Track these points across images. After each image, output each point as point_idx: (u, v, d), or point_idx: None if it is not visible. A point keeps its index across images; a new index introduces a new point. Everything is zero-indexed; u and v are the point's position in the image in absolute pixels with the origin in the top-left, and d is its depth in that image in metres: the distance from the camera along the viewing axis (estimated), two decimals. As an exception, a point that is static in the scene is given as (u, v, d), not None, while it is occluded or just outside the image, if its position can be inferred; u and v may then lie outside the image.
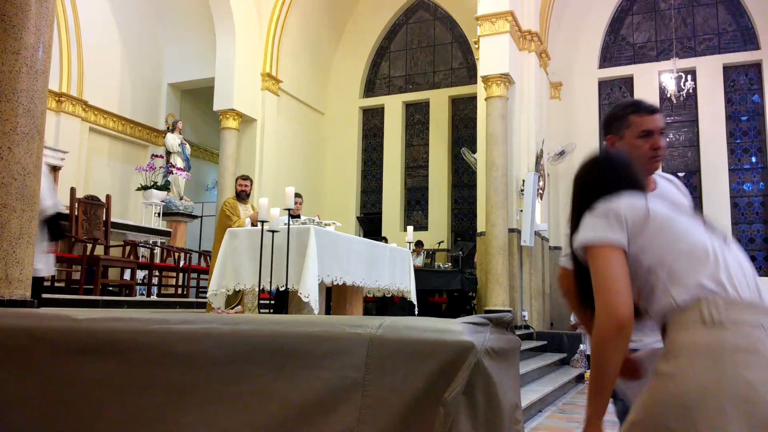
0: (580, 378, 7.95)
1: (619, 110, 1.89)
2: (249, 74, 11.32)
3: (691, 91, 10.91)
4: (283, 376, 1.54)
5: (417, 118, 13.87)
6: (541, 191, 10.17)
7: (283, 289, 4.83)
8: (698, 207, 10.32)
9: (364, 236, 9.05)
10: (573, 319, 9.73)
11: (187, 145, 11.10)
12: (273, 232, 4.80)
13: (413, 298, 6.56)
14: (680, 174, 11.23)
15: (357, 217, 13.76)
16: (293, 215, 5.47)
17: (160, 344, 1.69)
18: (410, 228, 7.26)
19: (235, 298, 5.86)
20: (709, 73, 11.32)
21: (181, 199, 10.70)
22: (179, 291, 8.70)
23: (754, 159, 11.29)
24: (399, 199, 13.47)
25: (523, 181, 9.71)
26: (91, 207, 7.65)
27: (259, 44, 11.59)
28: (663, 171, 2.03)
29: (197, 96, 12.67)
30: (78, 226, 7.30)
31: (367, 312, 8.96)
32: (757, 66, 11.20)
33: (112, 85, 11.21)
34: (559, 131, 11.61)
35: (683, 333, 1.33)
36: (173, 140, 10.79)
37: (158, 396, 1.64)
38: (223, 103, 10.96)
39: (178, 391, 1.62)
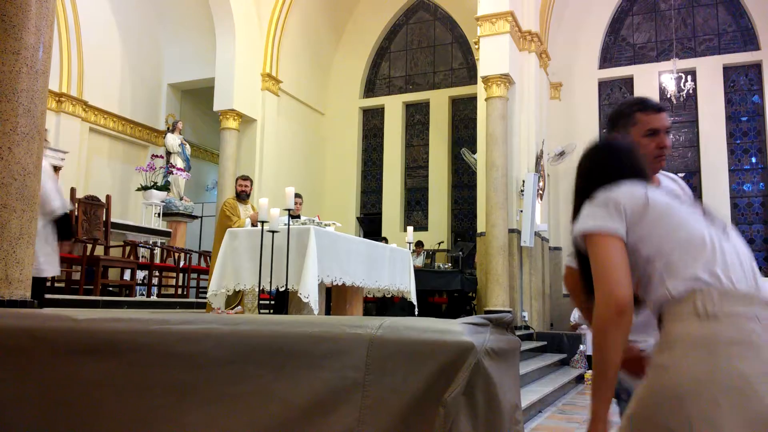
0: (580, 378, 7.95)
1: (625, 108, 1.88)
2: (249, 74, 11.32)
3: (691, 91, 10.92)
4: (283, 376, 1.54)
5: (417, 118, 13.87)
6: (541, 192, 10.17)
7: (283, 289, 4.83)
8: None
9: (364, 237, 9.05)
10: (573, 319, 9.74)
11: (187, 146, 11.10)
12: (273, 232, 4.80)
13: (413, 299, 6.55)
14: (680, 174, 11.23)
15: (357, 218, 13.76)
16: (293, 215, 5.47)
17: (160, 345, 1.69)
18: (410, 228, 7.26)
19: (235, 299, 5.86)
20: (709, 73, 11.33)
21: (181, 199, 10.70)
22: (179, 291, 8.70)
23: (754, 159, 11.29)
24: (399, 200, 13.47)
25: (523, 181, 9.71)
26: (91, 207, 7.65)
27: (259, 44, 11.59)
28: (663, 171, 2.03)
29: (197, 96, 12.67)
30: (78, 227, 7.30)
31: (367, 312, 8.96)
32: (757, 66, 11.20)
33: (112, 85, 11.21)
34: (559, 132, 11.61)
35: (678, 325, 1.33)
36: (173, 140, 10.79)
37: (158, 396, 1.64)
38: (223, 103, 10.97)
39: (178, 392, 1.62)
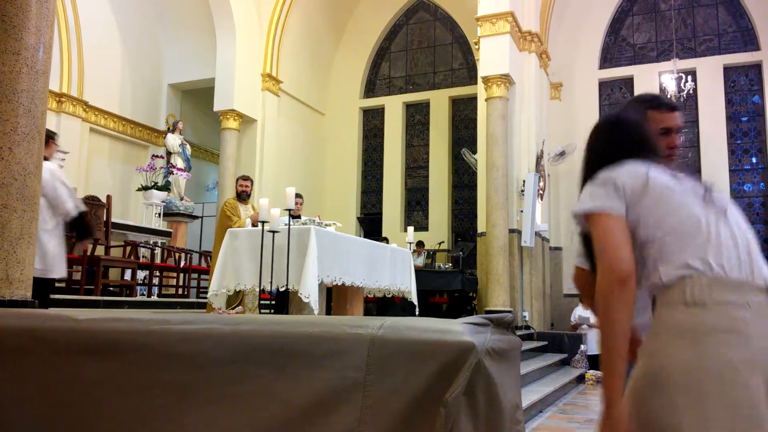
0: (581, 378, 7.95)
1: (637, 104, 1.84)
2: (249, 75, 11.32)
3: (691, 91, 10.92)
4: (283, 376, 1.54)
5: (417, 118, 13.87)
6: (541, 192, 10.17)
7: (284, 289, 4.83)
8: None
9: (365, 237, 9.05)
10: (573, 319, 9.74)
11: (188, 146, 11.10)
12: (273, 232, 4.80)
13: (414, 299, 6.55)
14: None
15: (357, 218, 13.76)
16: (294, 216, 5.47)
17: (160, 345, 1.69)
18: (411, 228, 7.26)
19: (235, 299, 5.86)
20: (710, 73, 11.33)
21: (181, 199, 10.70)
22: (180, 291, 8.70)
23: (754, 160, 11.29)
24: (399, 200, 13.47)
25: (524, 181, 9.71)
26: (92, 207, 7.64)
27: (260, 45, 11.59)
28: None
29: (197, 96, 12.67)
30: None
31: (367, 312, 8.96)
32: (757, 67, 11.20)
33: (113, 85, 11.21)
34: (560, 132, 11.60)
35: (666, 311, 1.33)
36: (174, 141, 10.79)
37: (159, 396, 1.64)
38: (223, 103, 10.97)
39: (178, 392, 1.62)
